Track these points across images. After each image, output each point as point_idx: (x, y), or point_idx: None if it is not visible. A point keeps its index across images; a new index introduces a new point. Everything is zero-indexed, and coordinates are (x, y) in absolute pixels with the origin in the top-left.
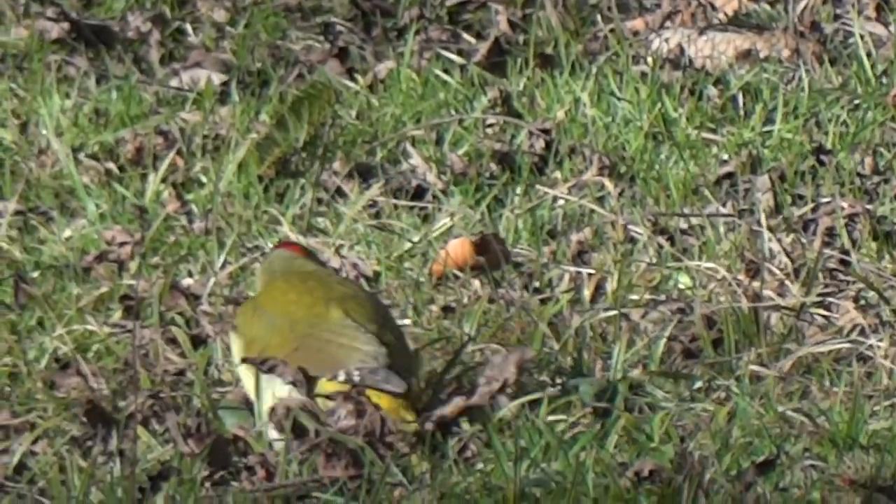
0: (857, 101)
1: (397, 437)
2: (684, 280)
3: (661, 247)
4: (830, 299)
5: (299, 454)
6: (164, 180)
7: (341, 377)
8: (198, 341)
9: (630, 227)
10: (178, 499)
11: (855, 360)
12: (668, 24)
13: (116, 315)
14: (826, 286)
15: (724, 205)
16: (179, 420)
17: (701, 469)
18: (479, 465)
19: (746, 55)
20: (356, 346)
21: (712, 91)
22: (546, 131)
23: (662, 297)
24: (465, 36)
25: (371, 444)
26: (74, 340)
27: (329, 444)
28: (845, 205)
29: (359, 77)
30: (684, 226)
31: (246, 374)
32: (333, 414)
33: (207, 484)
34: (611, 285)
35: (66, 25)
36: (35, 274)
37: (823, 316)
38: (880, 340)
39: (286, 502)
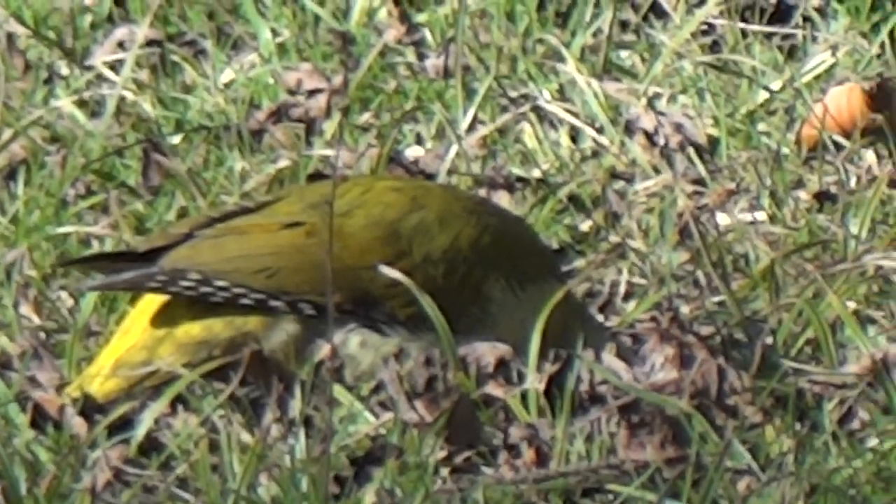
0: None
1: (744, 397)
2: None
3: None
4: None
5: (589, 424)
6: None
7: None
8: None
9: None
10: (400, 494)
11: None
12: None
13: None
14: None
15: None
16: (400, 371)
17: None
18: (871, 443)
19: None
20: None
21: None
22: None
23: None
24: None
25: (702, 408)
26: None
27: (634, 408)
28: None
29: None
30: None
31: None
32: (643, 362)
33: (444, 471)
34: None
35: None
36: (176, 140)
37: None
38: None
39: (566, 498)
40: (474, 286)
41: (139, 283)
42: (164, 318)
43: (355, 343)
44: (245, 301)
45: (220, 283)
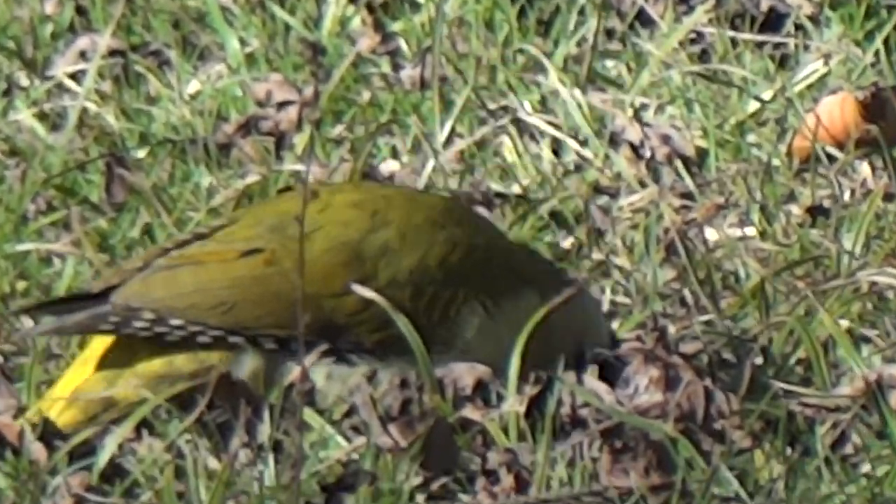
0: None
1: (732, 420)
2: None
3: None
4: None
5: (570, 449)
6: None
7: None
8: None
9: None
10: None
11: None
12: None
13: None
14: None
15: None
16: (373, 394)
17: None
18: (865, 468)
19: None
20: None
21: None
22: None
23: None
24: None
25: (688, 432)
26: None
27: (617, 432)
28: None
29: None
30: None
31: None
32: (627, 384)
33: (420, 497)
34: None
35: None
36: (140, 153)
37: None
38: None
39: None
40: (444, 307)
41: (91, 326)
42: (124, 350)
43: (321, 376)
44: (203, 339)
45: (176, 322)
